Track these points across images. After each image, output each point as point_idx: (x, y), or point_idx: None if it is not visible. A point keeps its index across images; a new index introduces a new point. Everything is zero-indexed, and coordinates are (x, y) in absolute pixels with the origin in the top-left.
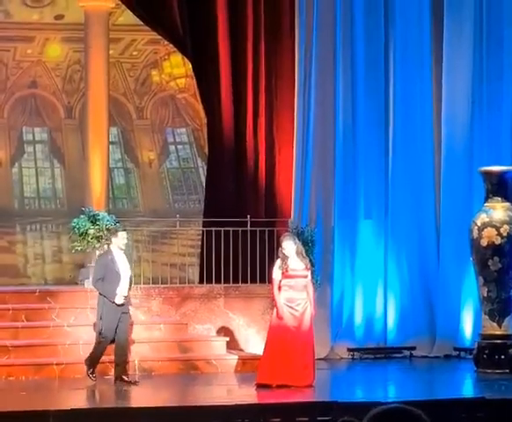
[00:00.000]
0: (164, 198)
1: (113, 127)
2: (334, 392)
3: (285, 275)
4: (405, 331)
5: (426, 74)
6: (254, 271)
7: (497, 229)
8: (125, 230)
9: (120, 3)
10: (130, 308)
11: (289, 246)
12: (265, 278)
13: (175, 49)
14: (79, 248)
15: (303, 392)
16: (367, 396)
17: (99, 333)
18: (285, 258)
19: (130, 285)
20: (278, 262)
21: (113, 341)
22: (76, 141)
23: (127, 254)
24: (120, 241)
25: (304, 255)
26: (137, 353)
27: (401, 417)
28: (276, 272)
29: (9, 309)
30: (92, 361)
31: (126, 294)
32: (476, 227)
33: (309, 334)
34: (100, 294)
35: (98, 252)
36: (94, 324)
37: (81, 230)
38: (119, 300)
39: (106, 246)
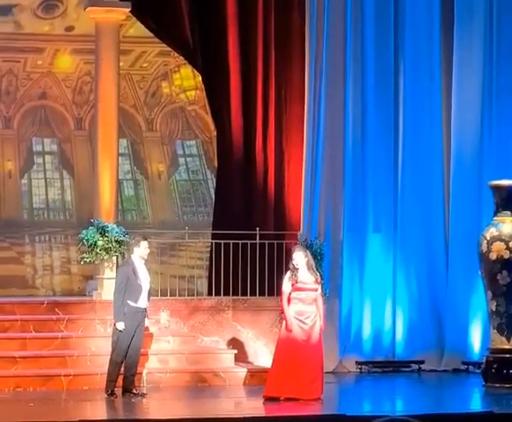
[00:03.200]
0: (172, 210)
1: (123, 139)
2: (342, 405)
3: (295, 288)
4: (413, 344)
5: (435, 87)
6: (263, 284)
7: (506, 243)
8: (146, 239)
9: (130, 15)
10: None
11: (299, 257)
12: (273, 291)
13: (185, 61)
14: (88, 259)
15: (312, 405)
16: (375, 409)
17: (114, 342)
18: (295, 269)
19: (149, 297)
20: (288, 274)
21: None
22: (85, 152)
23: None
24: (142, 251)
25: (315, 269)
26: (145, 366)
27: None
28: (286, 285)
29: (17, 320)
30: (110, 379)
31: (144, 307)
32: (485, 241)
33: (318, 348)
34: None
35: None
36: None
37: (90, 242)
38: (120, 326)
39: (117, 258)
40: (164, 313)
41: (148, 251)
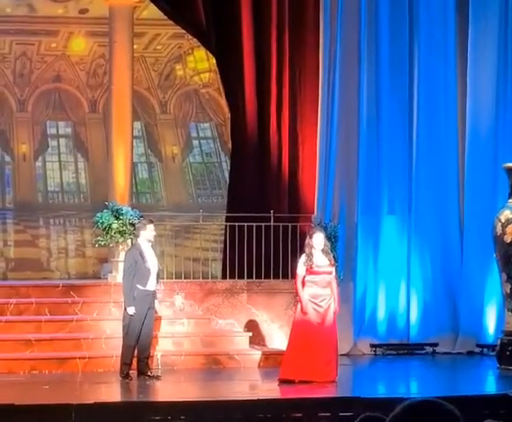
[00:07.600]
0: (187, 192)
1: (137, 122)
2: (357, 388)
3: (310, 271)
4: (427, 327)
5: (450, 70)
6: (277, 266)
7: None
8: (152, 222)
9: None
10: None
11: (320, 238)
12: (287, 273)
13: (199, 44)
14: (102, 242)
15: (326, 388)
16: (389, 391)
17: (126, 326)
18: (311, 253)
19: (157, 280)
20: (303, 257)
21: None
22: (99, 135)
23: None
24: (149, 234)
25: (329, 251)
26: (160, 348)
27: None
28: (301, 268)
29: (32, 303)
30: (124, 363)
31: (153, 290)
32: (500, 223)
33: (332, 330)
34: (124, 292)
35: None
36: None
37: (104, 225)
38: (131, 311)
39: (132, 240)
40: (179, 296)
41: (154, 233)
